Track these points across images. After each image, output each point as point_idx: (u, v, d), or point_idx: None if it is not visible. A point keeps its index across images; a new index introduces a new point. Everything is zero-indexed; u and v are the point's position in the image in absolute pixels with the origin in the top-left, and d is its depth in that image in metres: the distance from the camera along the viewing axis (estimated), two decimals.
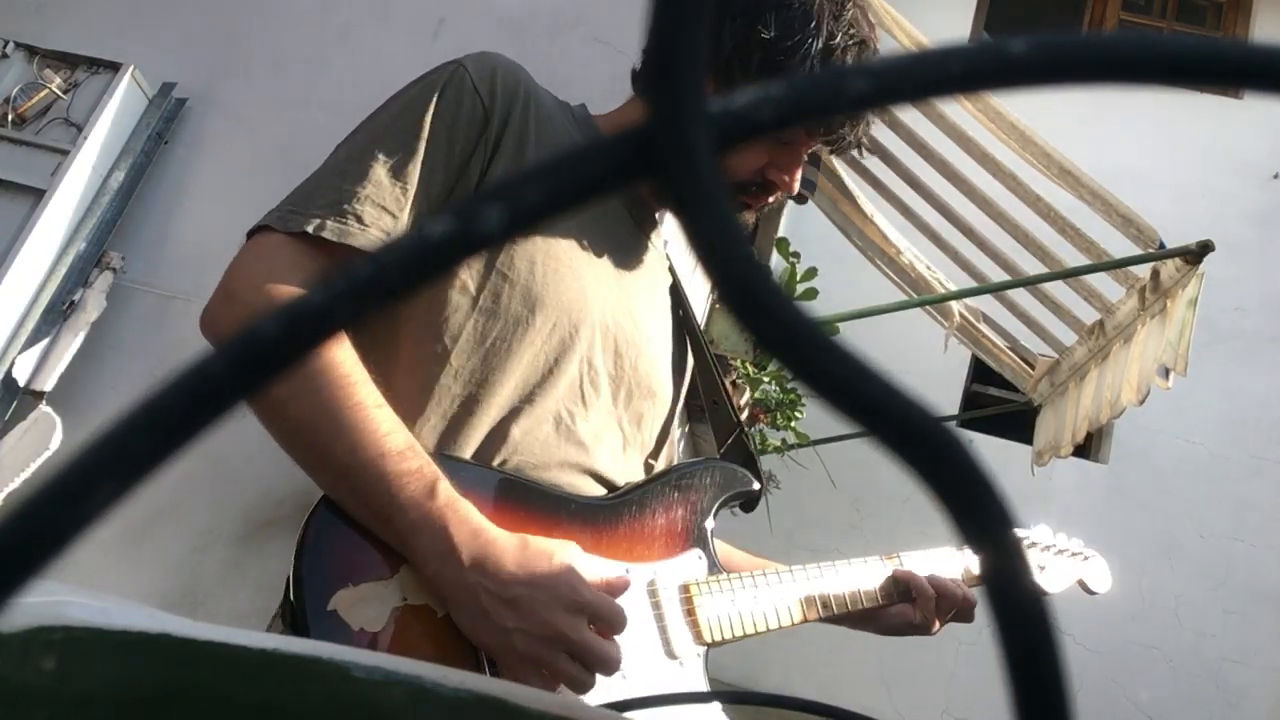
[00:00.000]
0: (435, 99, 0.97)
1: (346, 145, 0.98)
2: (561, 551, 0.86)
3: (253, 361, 0.14)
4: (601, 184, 0.16)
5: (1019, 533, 1.27)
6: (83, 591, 0.26)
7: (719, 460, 1.15)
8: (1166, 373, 2.52)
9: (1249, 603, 4.41)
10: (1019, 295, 3.48)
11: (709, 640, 0.99)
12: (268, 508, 2.61)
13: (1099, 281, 3.06)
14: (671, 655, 0.96)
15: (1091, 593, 1.46)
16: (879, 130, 3.33)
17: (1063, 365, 3.44)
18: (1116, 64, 0.15)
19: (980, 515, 0.15)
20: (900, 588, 1.18)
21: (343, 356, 0.85)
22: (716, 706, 0.97)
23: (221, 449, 2.61)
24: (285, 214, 0.92)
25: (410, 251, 0.15)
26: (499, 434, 0.97)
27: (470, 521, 0.83)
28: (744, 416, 3.74)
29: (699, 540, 1.05)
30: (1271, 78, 0.15)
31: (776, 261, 4.07)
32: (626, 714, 0.71)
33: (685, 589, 1.00)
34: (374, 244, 0.90)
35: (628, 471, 1.08)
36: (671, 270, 1.21)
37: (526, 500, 0.95)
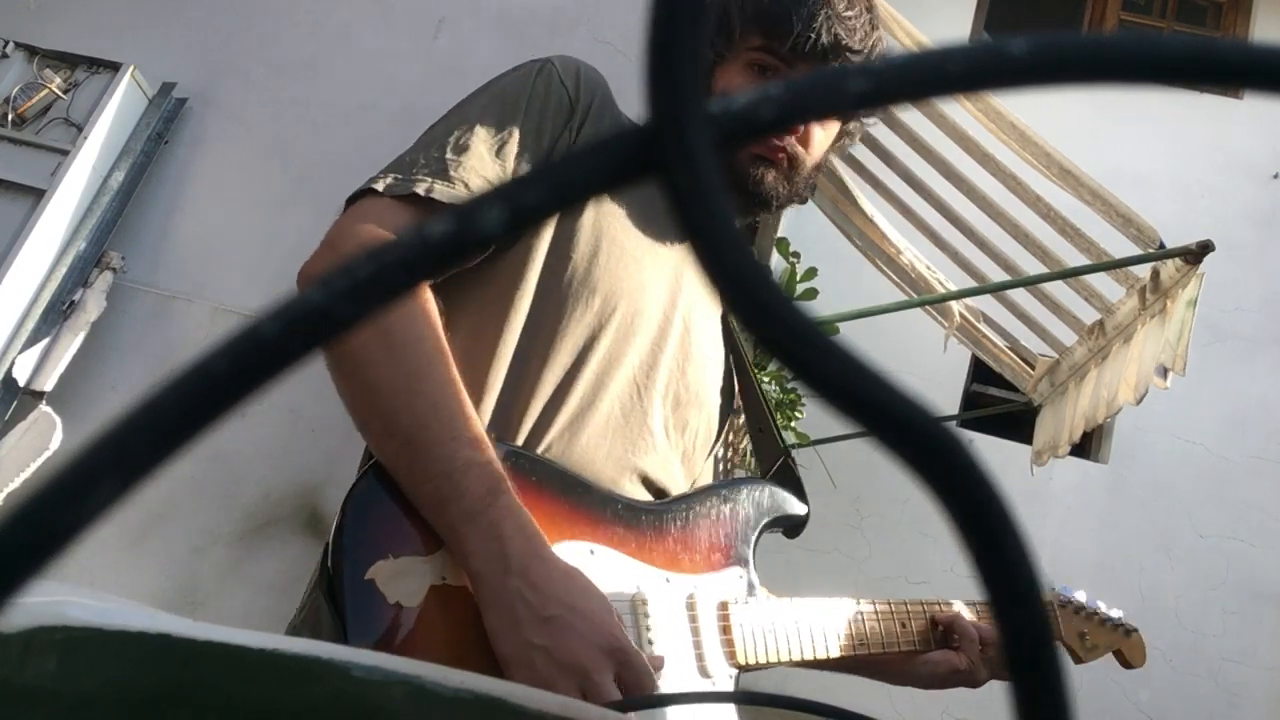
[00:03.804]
0: (529, 87, 1.00)
1: (441, 125, 0.99)
2: (606, 600, 0.82)
3: (253, 362, 0.14)
4: (601, 183, 0.16)
5: (1060, 595, 1.23)
6: (83, 591, 0.26)
7: (768, 481, 1.12)
8: (1165, 372, 2.52)
9: (1249, 603, 4.42)
10: (1019, 295, 3.48)
11: (742, 662, 0.95)
12: (268, 508, 2.61)
13: (1099, 281, 3.06)
14: (705, 673, 0.92)
15: (1128, 666, 1.42)
16: (879, 130, 3.33)
17: (1063, 365, 3.44)
18: (1116, 64, 0.15)
19: (980, 515, 0.15)
20: (939, 632, 1.14)
21: (435, 331, 0.85)
22: (731, 712, 0.95)
23: (221, 449, 2.61)
24: (389, 180, 0.92)
25: (410, 250, 0.15)
26: (548, 420, 0.95)
27: (527, 529, 0.80)
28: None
29: (740, 559, 1.02)
30: (1271, 78, 0.15)
31: (776, 261, 4.07)
32: (627, 715, 0.71)
33: (723, 606, 0.97)
34: None
35: (670, 477, 1.05)
36: None
37: (570, 491, 0.92)
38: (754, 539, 1.04)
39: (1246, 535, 4.52)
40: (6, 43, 2.93)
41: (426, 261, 0.15)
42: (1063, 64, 0.15)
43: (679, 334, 1.05)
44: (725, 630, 0.95)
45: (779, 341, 0.15)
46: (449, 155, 0.94)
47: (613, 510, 0.94)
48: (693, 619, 0.94)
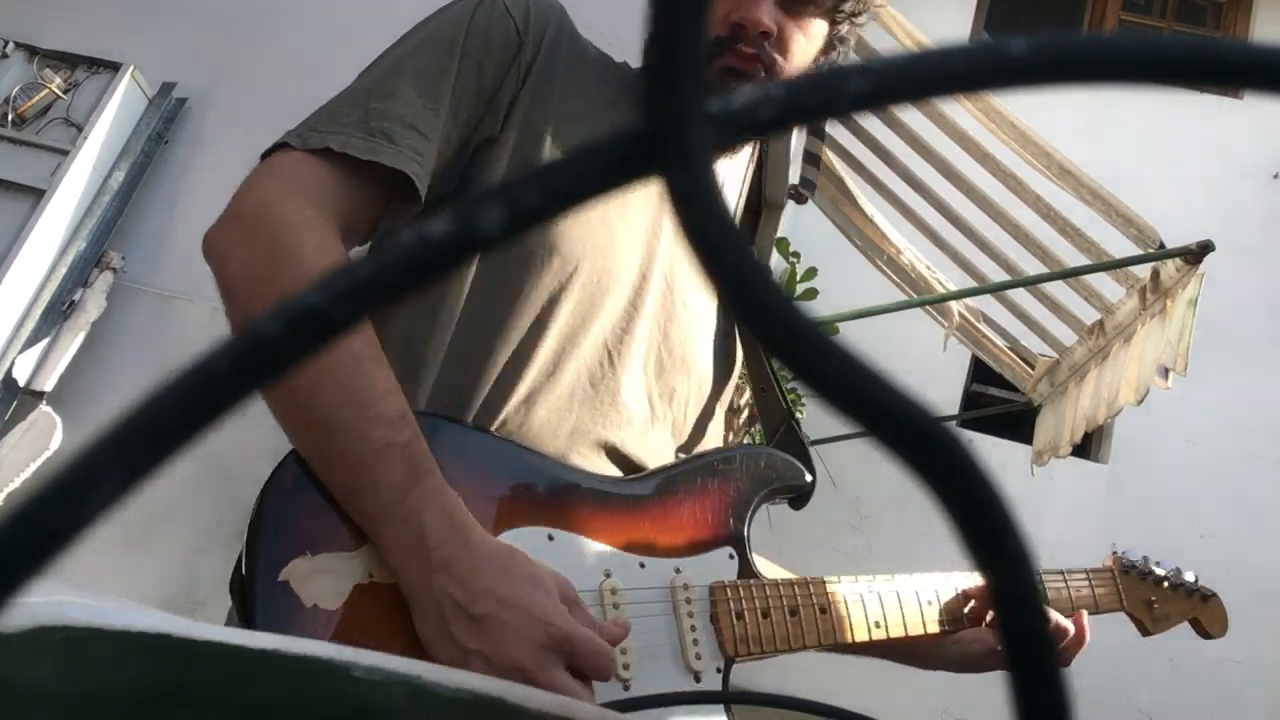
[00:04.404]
0: (468, 20, 0.90)
1: (373, 67, 0.90)
2: (552, 578, 0.73)
3: (253, 362, 0.14)
4: (601, 184, 0.16)
5: (1123, 560, 1.13)
6: (83, 591, 0.26)
7: (766, 448, 1.01)
8: (1166, 373, 2.52)
9: (1249, 603, 4.41)
10: (1019, 295, 3.48)
11: (733, 652, 0.85)
12: None
13: (1099, 281, 3.06)
14: (689, 665, 0.83)
15: (1208, 636, 1.27)
16: (879, 130, 3.33)
17: (1063, 365, 3.44)
18: (1116, 64, 0.15)
19: (980, 515, 0.15)
20: (972, 608, 1.01)
21: None
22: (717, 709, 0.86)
23: (221, 449, 2.61)
24: (305, 132, 0.83)
25: (411, 251, 0.15)
26: (502, 393, 0.86)
27: (452, 516, 0.71)
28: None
29: (731, 537, 0.91)
30: (1271, 78, 0.15)
31: (776, 261, 4.07)
32: (628, 715, 0.70)
33: (711, 590, 0.87)
34: (404, 164, 0.82)
35: (652, 451, 0.94)
36: None
37: (524, 471, 0.82)
38: (749, 514, 0.93)
39: (1246, 535, 4.52)
40: (6, 43, 2.93)
41: (425, 263, 0.15)
42: (1063, 64, 0.15)
43: (658, 292, 0.95)
44: (714, 618, 0.86)
45: (779, 341, 0.15)
46: (373, 104, 0.84)
47: (576, 490, 0.84)
48: (674, 606, 0.84)
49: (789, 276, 4.03)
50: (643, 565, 0.84)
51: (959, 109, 2.91)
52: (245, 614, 0.69)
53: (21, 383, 2.60)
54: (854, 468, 4.18)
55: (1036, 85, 0.15)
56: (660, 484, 0.90)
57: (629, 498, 0.87)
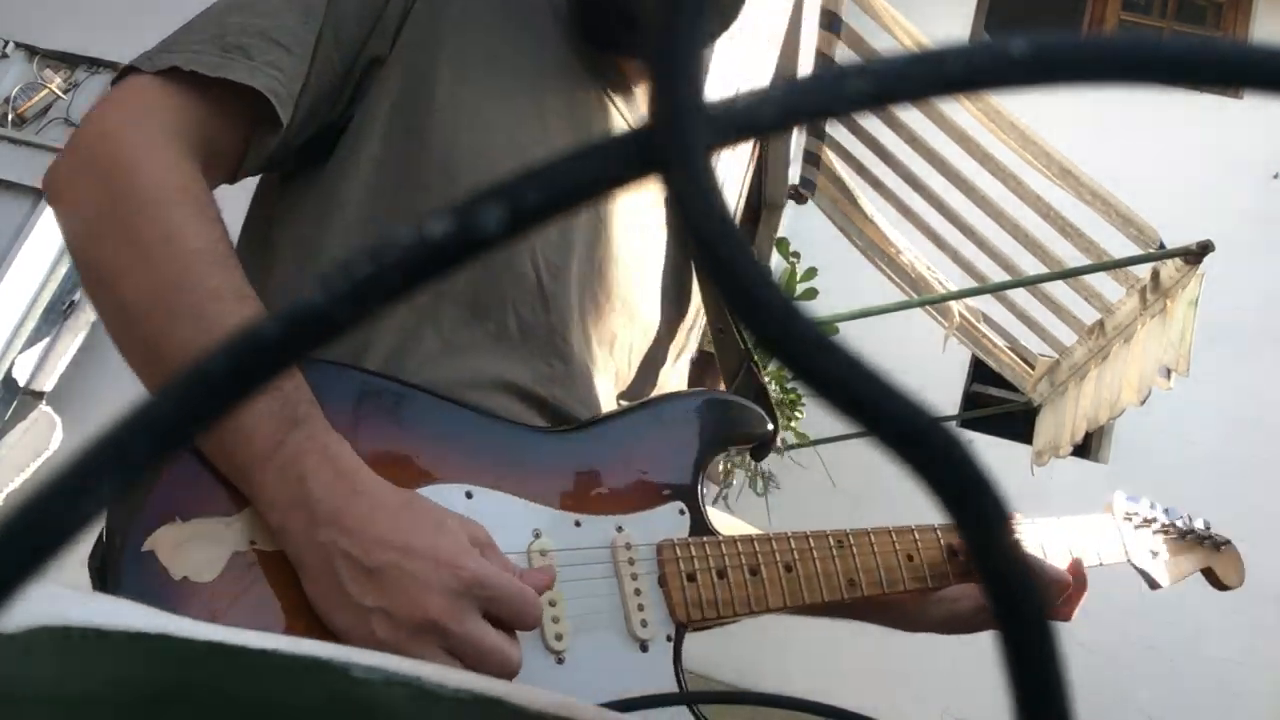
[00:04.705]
0: None
1: None
2: (458, 521, 0.64)
3: (252, 363, 0.14)
4: (603, 184, 0.16)
5: (1127, 509, 1.05)
6: (83, 592, 0.26)
7: (720, 393, 0.91)
8: (1168, 373, 2.52)
9: (1249, 603, 4.42)
10: (1019, 295, 3.48)
11: (685, 618, 0.76)
12: None
13: (1099, 281, 3.06)
14: (632, 635, 0.73)
15: (1223, 588, 1.16)
16: (879, 130, 3.33)
17: (1063, 365, 3.44)
18: (1116, 64, 0.15)
19: (980, 515, 0.15)
20: (958, 563, 0.88)
21: (202, 226, 0.66)
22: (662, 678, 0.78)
23: None
24: (156, 53, 0.74)
25: (409, 252, 0.15)
26: (412, 341, 0.76)
27: (337, 462, 0.62)
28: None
29: (683, 491, 0.81)
30: (1271, 78, 0.15)
31: (776, 261, 4.07)
32: (628, 714, 0.70)
33: (659, 550, 0.77)
34: (257, 80, 0.73)
35: (591, 402, 0.85)
36: None
37: (438, 420, 0.73)
38: (700, 465, 0.83)
39: (1247, 535, 4.51)
40: (6, 43, 2.93)
41: (425, 264, 0.15)
42: (1063, 64, 0.15)
43: (589, 228, 0.85)
44: (663, 580, 0.76)
45: (778, 341, 0.15)
46: (231, 18, 0.75)
47: (499, 441, 0.74)
48: (616, 569, 0.75)
49: (789, 276, 4.04)
50: (579, 524, 0.75)
51: (959, 109, 2.91)
52: (105, 592, 0.60)
53: (21, 383, 2.60)
54: (854, 468, 4.18)
55: (1036, 85, 0.15)
56: (600, 434, 0.80)
57: (563, 450, 0.78)
